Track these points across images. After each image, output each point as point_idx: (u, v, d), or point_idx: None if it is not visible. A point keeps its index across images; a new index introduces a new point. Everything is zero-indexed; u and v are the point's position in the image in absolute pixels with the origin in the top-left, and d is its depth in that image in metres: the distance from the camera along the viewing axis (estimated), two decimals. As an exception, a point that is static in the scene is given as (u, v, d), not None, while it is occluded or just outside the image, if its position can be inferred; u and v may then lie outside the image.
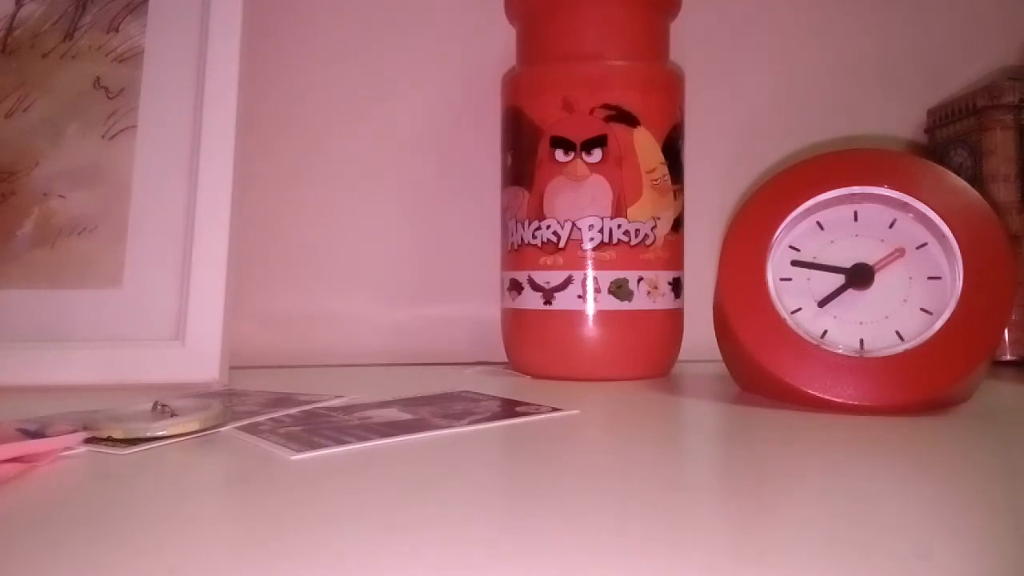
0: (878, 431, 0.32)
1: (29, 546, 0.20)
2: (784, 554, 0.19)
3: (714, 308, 0.43)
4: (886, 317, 0.38)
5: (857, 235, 0.40)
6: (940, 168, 0.39)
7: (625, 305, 0.47)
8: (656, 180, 0.48)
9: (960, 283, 0.37)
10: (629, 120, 0.47)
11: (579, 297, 0.47)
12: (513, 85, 0.50)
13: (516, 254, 0.49)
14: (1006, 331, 0.51)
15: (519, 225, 0.49)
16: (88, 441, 0.30)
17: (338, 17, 0.60)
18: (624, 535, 0.20)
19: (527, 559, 0.18)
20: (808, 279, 0.40)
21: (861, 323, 0.39)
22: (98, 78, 0.51)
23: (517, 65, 0.52)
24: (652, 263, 0.47)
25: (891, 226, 0.40)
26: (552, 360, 0.48)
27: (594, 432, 0.33)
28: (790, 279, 0.40)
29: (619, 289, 0.47)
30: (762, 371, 0.38)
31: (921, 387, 0.35)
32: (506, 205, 0.51)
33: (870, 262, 0.39)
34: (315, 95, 0.60)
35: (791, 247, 0.41)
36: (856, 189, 0.40)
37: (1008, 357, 0.52)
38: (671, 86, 0.49)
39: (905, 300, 0.38)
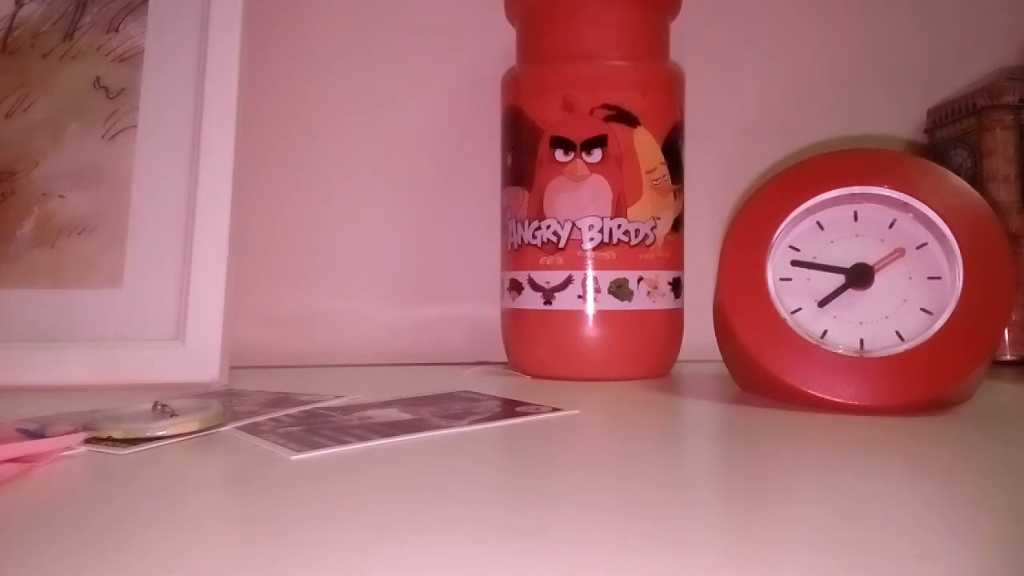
0: (878, 431, 0.32)
1: (29, 546, 0.20)
2: (784, 554, 0.19)
3: (714, 308, 0.43)
4: (886, 317, 0.38)
5: (857, 235, 0.40)
6: (940, 168, 0.39)
7: (625, 305, 0.47)
8: (656, 180, 0.48)
9: (960, 283, 0.37)
10: (629, 120, 0.47)
11: (579, 297, 0.47)
12: (513, 85, 0.50)
13: (516, 254, 0.49)
14: (1006, 331, 0.51)
15: (519, 225, 0.49)
16: (88, 441, 0.30)
17: (338, 17, 0.60)
18: (624, 535, 0.20)
19: (527, 559, 0.18)
20: (808, 279, 0.40)
21: (861, 323, 0.39)
22: (98, 78, 0.51)
23: (517, 65, 0.52)
24: (652, 263, 0.47)
25: (891, 226, 0.40)
26: (552, 360, 0.48)
27: (594, 432, 0.33)
28: (790, 279, 0.40)
29: (619, 289, 0.47)
30: (762, 371, 0.38)
31: (921, 387, 0.35)
32: (506, 205, 0.51)
33: (870, 262, 0.39)
34: (315, 95, 0.60)
35: (791, 247, 0.41)
36: (856, 189, 0.40)
37: (1008, 357, 0.52)
38: (671, 86, 0.49)
39: (905, 300, 0.38)
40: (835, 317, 0.39)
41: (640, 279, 0.47)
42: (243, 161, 0.50)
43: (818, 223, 0.41)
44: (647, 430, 0.34)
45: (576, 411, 0.37)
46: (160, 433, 0.31)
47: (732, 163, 0.61)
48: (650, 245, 0.47)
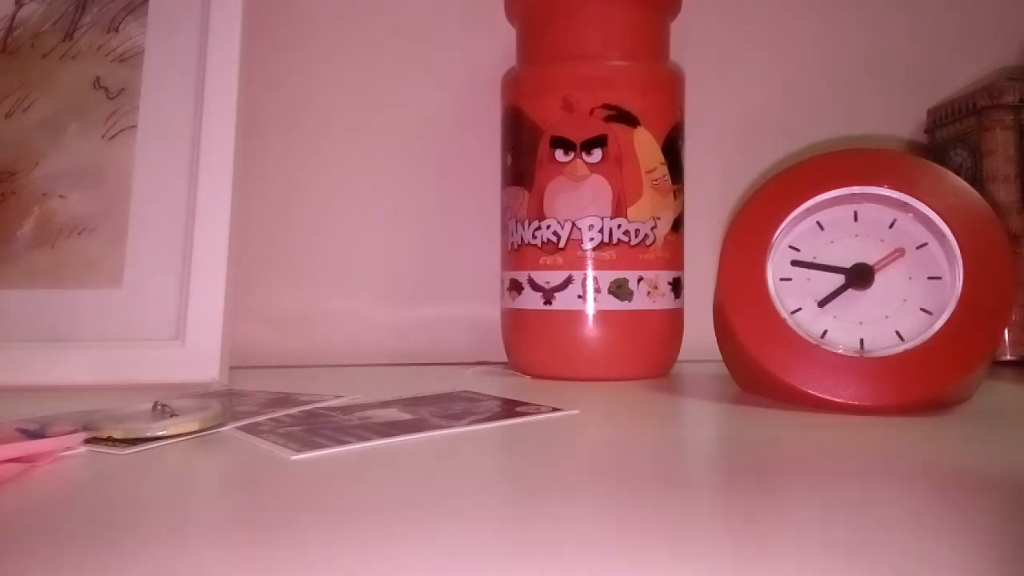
0: (878, 431, 0.32)
1: (29, 546, 0.20)
2: (784, 554, 0.19)
3: (714, 308, 0.43)
4: (886, 317, 0.38)
5: (857, 235, 0.40)
6: (940, 168, 0.39)
7: (625, 305, 0.47)
8: (656, 180, 0.48)
9: (960, 283, 0.37)
10: (629, 120, 0.47)
11: (579, 297, 0.47)
12: (513, 85, 0.50)
13: (516, 254, 0.49)
14: (1006, 331, 0.51)
15: (519, 225, 0.49)
16: (88, 441, 0.30)
17: (339, 17, 0.60)
18: (624, 535, 0.20)
19: (527, 559, 0.18)
20: (808, 279, 0.40)
21: (861, 323, 0.39)
22: (98, 78, 0.51)
23: (517, 65, 0.52)
24: (652, 263, 0.47)
25: (891, 226, 0.40)
26: (552, 360, 0.48)
27: (594, 432, 0.33)
28: (790, 279, 0.40)
29: (619, 289, 0.47)
30: (762, 371, 0.38)
31: (921, 387, 0.35)
32: (506, 205, 0.51)
33: (870, 262, 0.39)
34: (315, 95, 0.60)
35: (791, 247, 0.41)
36: (856, 189, 0.40)
37: (1008, 357, 0.52)
38: (671, 86, 0.49)
39: (905, 300, 0.38)
40: (835, 317, 0.39)
41: (640, 279, 0.47)
42: (243, 161, 0.50)
43: (818, 223, 0.41)
44: (647, 430, 0.34)
45: (576, 411, 0.37)
46: (160, 433, 0.31)
47: (732, 163, 0.61)
48: (650, 245, 0.47)
